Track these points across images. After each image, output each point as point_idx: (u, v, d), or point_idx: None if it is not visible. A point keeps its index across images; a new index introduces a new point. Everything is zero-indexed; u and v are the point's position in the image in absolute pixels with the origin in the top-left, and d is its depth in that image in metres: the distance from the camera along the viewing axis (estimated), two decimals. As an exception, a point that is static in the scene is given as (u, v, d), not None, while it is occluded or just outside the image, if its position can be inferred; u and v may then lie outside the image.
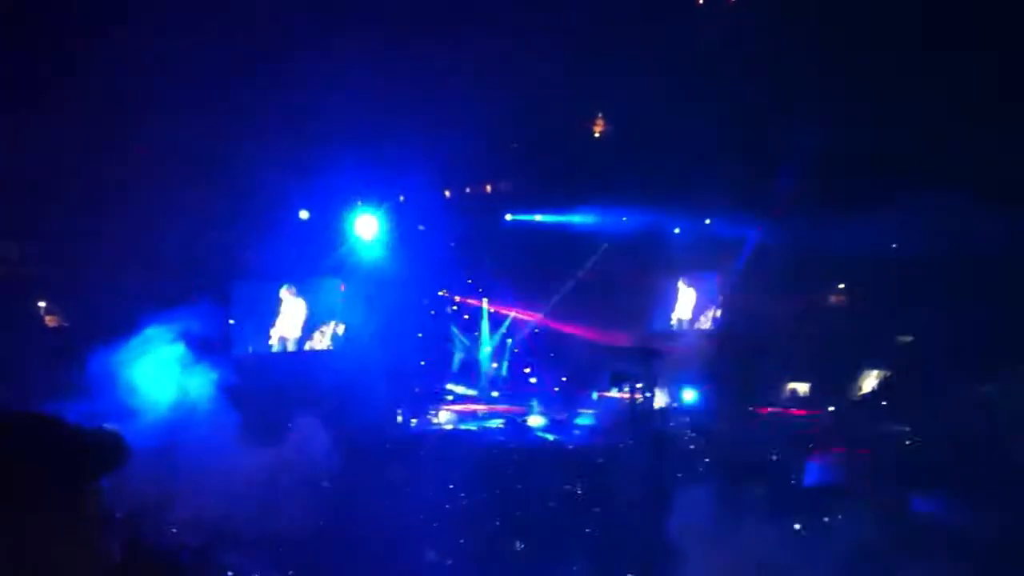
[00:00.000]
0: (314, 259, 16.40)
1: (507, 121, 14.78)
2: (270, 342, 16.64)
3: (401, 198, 16.98)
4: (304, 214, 15.96)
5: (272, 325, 16.63)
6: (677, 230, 18.97)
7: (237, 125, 13.13)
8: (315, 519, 12.18)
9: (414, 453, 15.69)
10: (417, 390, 18.77)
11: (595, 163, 17.13)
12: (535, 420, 18.68)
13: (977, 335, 14.48)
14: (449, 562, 12.43)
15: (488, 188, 18.55)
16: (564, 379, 19.83)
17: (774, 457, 15.50)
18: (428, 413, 18.41)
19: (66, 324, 14.56)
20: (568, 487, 14.46)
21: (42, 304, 14.56)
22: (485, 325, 19.88)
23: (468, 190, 18.31)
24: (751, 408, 18.65)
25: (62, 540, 1.81)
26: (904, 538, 11.27)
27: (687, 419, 18.06)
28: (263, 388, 13.96)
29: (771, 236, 18.15)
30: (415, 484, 13.95)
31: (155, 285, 13.17)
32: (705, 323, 20.29)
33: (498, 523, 13.32)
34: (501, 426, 18.44)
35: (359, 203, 16.50)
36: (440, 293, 19.67)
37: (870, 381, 18.68)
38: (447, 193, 17.89)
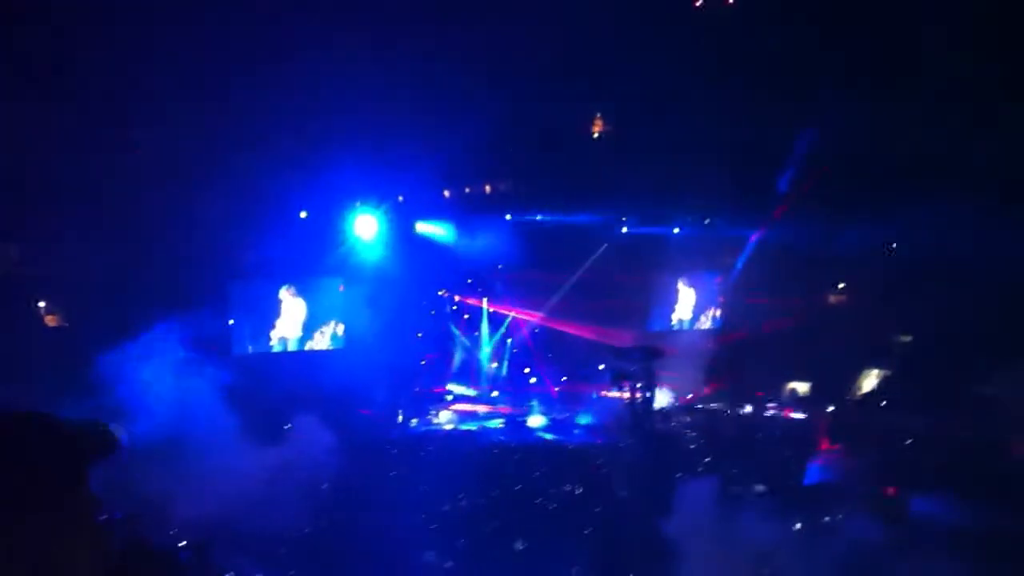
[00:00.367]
0: (314, 259, 16.42)
1: (507, 121, 14.77)
2: (270, 342, 16.65)
3: (400, 198, 16.99)
4: (304, 214, 15.98)
5: (272, 325, 16.65)
6: (676, 230, 19.02)
7: (237, 126, 13.14)
8: (315, 519, 12.19)
9: (414, 453, 15.68)
10: (417, 390, 18.78)
11: (595, 163, 17.13)
12: (535, 420, 18.68)
13: (977, 335, 14.50)
14: (449, 563, 12.41)
15: (488, 188, 18.56)
16: (564, 379, 19.85)
17: (774, 456, 15.48)
18: (428, 413, 18.42)
19: (66, 324, 14.56)
20: (568, 487, 14.44)
21: (42, 304, 14.56)
22: (485, 325, 19.89)
23: (468, 190, 18.31)
24: (751, 407, 18.67)
25: (57, 541, 1.81)
26: (903, 538, 11.28)
27: (687, 418, 18.09)
28: (263, 388, 13.98)
29: (771, 236, 18.19)
30: (415, 484, 13.94)
31: (156, 285, 13.18)
32: (705, 323, 20.33)
33: (498, 523, 13.30)
34: (501, 426, 18.44)
35: (359, 203, 16.52)
36: (440, 293, 19.68)
37: (870, 381, 18.70)
38: (446, 193, 17.91)
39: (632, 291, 19.05)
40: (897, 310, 16.91)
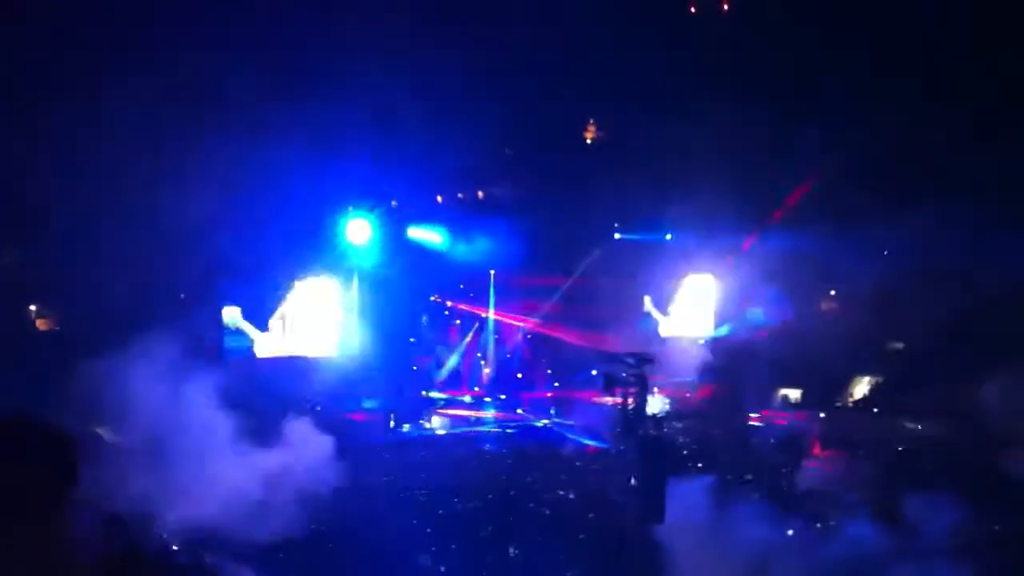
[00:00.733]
0: (312, 261, 16.40)
1: (501, 126, 14.82)
2: (262, 347, 16.57)
3: (393, 202, 16.99)
4: (302, 215, 15.92)
5: (265, 329, 16.58)
6: (669, 236, 19.06)
7: (230, 129, 13.11)
8: (309, 523, 12.12)
9: (407, 458, 15.64)
10: (410, 395, 18.73)
11: (588, 168, 17.19)
12: (528, 425, 18.65)
13: (968, 342, 14.58)
14: (442, 568, 12.37)
15: (481, 193, 18.59)
16: (557, 384, 19.84)
17: (766, 462, 15.51)
18: (421, 418, 18.37)
19: (58, 328, 14.48)
20: (562, 492, 14.44)
21: (33, 308, 14.48)
22: (479, 331, 19.86)
23: (461, 195, 18.34)
24: (745, 412, 18.69)
25: (51, 542, 1.80)
26: (895, 543, 11.30)
27: (681, 424, 18.08)
28: (258, 391, 13.90)
29: (767, 241, 18.25)
30: (408, 489, 13.91)
31: (152, 287, 13.12)
32: (698, 329, 20.35)
33: (491, 528, 13.28)
34: (494, 431, 18.41)
35: (351, 208, 16.51)
36: (433, 299, 19.65)
37: (861, 388, 18.77)
38: (439, 198, 17.93)
39: (625, 297, 19.08)
40: (889, 317, 16.99)
